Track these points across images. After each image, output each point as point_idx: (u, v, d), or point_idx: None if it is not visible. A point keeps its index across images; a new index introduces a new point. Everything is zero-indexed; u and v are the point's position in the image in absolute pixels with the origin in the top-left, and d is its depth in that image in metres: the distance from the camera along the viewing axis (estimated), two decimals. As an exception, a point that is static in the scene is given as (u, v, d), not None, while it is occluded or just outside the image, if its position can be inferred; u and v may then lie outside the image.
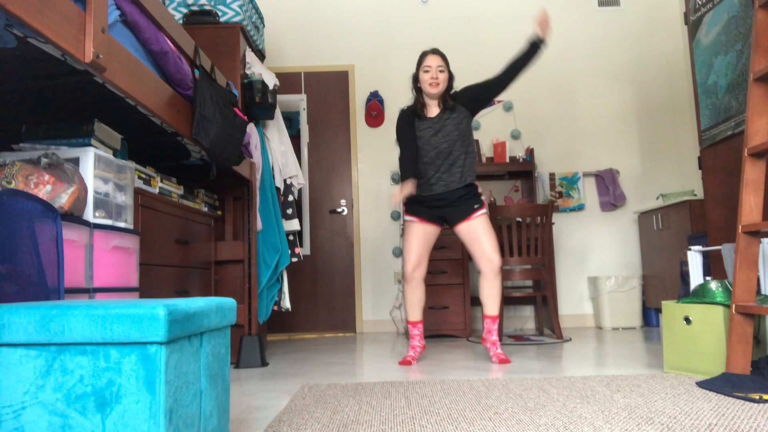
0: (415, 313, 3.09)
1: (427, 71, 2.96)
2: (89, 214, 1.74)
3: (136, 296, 1.95)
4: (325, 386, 2.35)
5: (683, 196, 4.24)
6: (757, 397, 1.87)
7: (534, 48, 2.91)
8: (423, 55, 3.02)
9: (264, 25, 4.16)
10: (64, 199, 1.60)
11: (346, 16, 5.19)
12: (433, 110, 3.02)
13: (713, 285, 2.42)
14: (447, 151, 2.95)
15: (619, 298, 4.54)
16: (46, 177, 1.59)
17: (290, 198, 3.73)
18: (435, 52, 3.00)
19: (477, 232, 2.94)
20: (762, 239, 2.32)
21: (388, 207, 5.02)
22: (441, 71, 2.95)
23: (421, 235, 3.02)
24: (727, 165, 3.01)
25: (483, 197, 3.03)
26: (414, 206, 3.06)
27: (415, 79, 3.03)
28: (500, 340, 3.81)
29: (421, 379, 2.50)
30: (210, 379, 1.25)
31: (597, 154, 5.08)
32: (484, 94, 3.00)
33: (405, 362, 2.97)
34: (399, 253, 4.92)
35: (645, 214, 4.74)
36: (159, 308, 1.00)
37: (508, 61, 2.97)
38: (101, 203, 1.80)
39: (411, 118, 3.04)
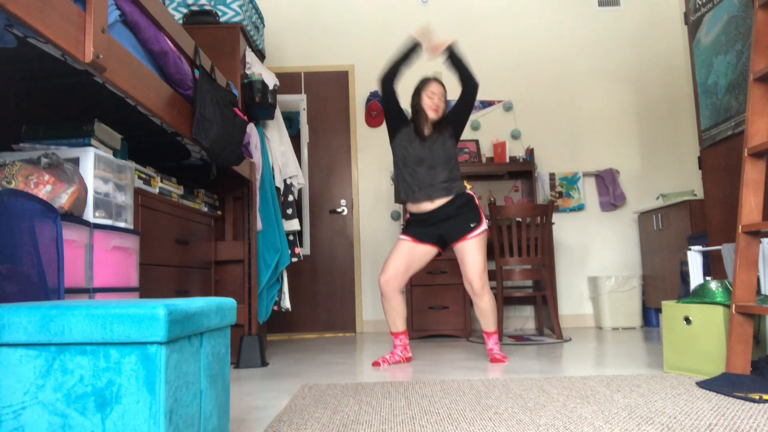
0: (396, 323, 3.08)
1: (431, 98, 3.03)
2: (89, 214, 1.74)
3: (136, 296, 1.95)
4: (325, 386, 2.35)
5: (683, 196, 4.24)
6: (757, 397, 1.87)
7: (452, 60, 3.05)
8: (427, 81, 3.08)
9: (264, 25, 4.16)
10: (64, 199, 1.60)
11: (346, 16, 5.19)
12: (426, 131, 3.06)
13: (713, 285, 2.42)
14: (429, 163, 2.98)
15: (619, 298, 4.54)
16: (46, 177, 1.59)
17: (290, 198, 3.73)
18: (439, 81, 3.10)
19: (465, 254, 2.96)
20: (762, 239, 2.32)
21: (388, 207, 5.02)
22: (442, 101, 3.06)
23: (407, 252, 3.03)
24: (727, 165, 3.01)
25: (479, 209, 3.00)
26: (411, 227, 3.08)
27: (416, 101, 3.07)
28: (500, 340, 3.82)
29: (421, 379, 2.50)
30: (210, 379, 1.25)
31: (597, 154, 5.08)
32: (459, 116, 3.09)
33: (375, 363, 2.96)
34: (399, 253, 4.93)
35: (645, 214, 4.74)
36: (159, 308, 1.00)
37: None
38: (101, 203, 1.80)
39: (407, 122, 3.10)
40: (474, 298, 3.00)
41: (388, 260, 3.04)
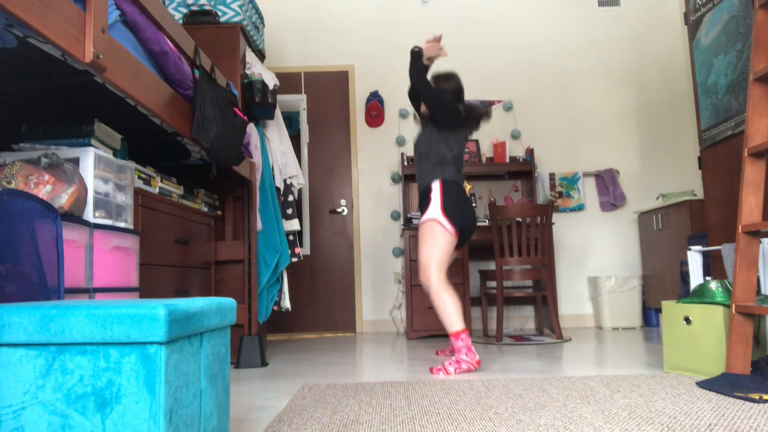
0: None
1: None
2: (89, 214, 1.74)
3: (136, 296, 1.95)
4: (325, 386, 2.35)
5: (683, 196, 4.24)
6: (757, 397, 1.87)
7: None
8: None
9: (264, 25, 4.16)
10: (64, 199, 1.60)
11: (346, 16, 5.19)
12: (420, 120, 3.34)
13: (713, 285, 2.42)
14: (417, 157, 3.15)
15: (619, 298, 4.54)
16: (46, 177, 1.59)
17: (290, 198, 3.73)
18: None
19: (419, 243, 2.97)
20: (762, 239, 2.32)
21: (389, 207, 5.02)
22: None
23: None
24: (727, 165, 3.01)
25: (433, 199, 2.90)
26: None
27: None
28: (500, 339, 3.81)
29: (421, 379, 2.50)
30: (210, 379, 1.25)
31: (597, 154, 5.08)
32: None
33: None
34: (399, 253, 4.92)
35: (645, 214, 4.74)
36: (159, 308, 1.00)
37: None
38: (101, 203, 1.80)
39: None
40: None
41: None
